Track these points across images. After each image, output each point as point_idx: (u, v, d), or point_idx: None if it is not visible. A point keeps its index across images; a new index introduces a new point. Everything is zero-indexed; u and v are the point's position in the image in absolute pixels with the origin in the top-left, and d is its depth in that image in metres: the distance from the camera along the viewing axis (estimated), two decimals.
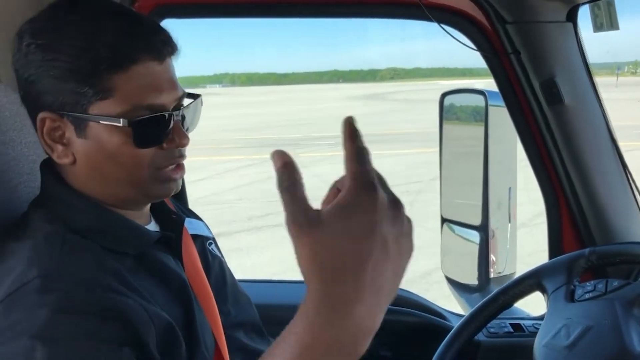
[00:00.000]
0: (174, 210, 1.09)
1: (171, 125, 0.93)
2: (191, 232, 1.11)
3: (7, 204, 0.99)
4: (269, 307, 1.24)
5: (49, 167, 0.97)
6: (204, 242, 1.15)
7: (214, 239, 1.19)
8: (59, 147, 0.93)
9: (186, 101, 0.99)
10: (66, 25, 0.89)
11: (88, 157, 0.93)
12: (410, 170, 9.89)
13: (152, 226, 1.03)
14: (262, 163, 10.93)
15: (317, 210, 0.57)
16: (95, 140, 0.91)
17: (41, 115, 0.92)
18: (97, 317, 0.79)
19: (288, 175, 0.57)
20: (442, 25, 1.43)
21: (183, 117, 0.96)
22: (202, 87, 64.76)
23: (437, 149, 1.81)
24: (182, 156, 0.97)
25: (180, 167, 0.97)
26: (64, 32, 0.89)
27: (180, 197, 1.60)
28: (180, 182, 0.99)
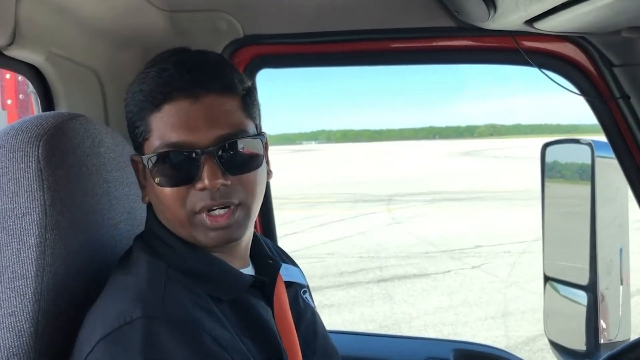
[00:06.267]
0: (271, 256, 1.08)
1: (200, 164, 0.89)
2: (286, 278, 1.10)
3: (109, 241, 1.04)
4: None
5: (151, 206, 1.00)
6: (297, 290, 1.13)
7: (308, 287, 1.18)
8: (143, 188, 0.99)
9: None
10: (138, 76, 0.97)
11: (150, 197, 0.97)
12: (512, 229, 9.49)
13: (249, 270, 1.03)
14: (354, 218, 10.90)
15: None
16: (149, 179, 0.95)
17: (130, 156, 0.99)
18: None
19: None
20: (543, 70, 1.37)
21: (220, 156, 0.90)
22: (299, 143, 66.75)
23: (539, 208, 1.71)
24: (215, 199, 0.90)
25: (223, 216, 0.90)
26: (133, 82, 0.97)
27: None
28: (233, 233, 0.92)
